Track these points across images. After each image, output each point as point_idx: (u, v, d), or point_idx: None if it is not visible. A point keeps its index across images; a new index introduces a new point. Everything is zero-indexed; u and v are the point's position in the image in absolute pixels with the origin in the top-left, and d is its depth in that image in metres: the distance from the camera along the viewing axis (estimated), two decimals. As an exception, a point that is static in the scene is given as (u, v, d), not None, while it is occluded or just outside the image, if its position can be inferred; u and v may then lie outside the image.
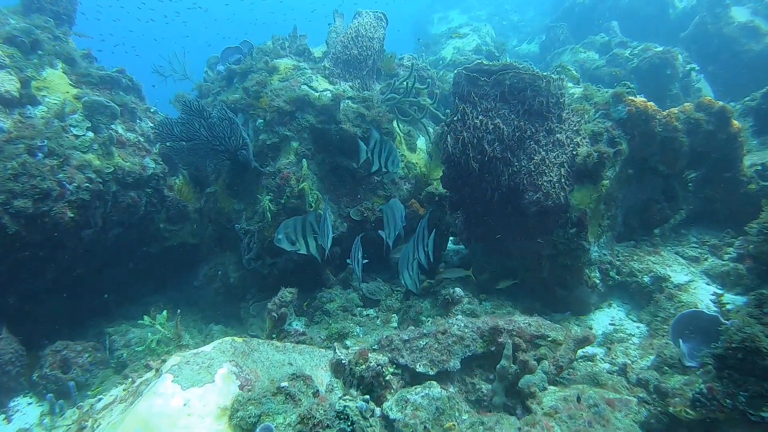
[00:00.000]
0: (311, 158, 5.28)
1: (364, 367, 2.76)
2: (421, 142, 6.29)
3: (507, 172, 4.17)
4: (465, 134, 4.25)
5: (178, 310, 4.31)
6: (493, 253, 4.67)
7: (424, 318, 4.55)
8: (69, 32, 6.22)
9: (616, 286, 4.51)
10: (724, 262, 4.48)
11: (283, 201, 4.93)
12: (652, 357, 3.55)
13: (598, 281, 4.32)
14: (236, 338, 3.07)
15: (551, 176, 4.12)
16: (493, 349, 2.94)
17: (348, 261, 4.32)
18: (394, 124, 5.83)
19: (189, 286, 5.89)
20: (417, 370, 2.88)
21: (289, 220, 4.13)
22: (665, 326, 3.90)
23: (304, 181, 4.94)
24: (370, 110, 5.49)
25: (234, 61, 6.69)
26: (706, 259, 4.60)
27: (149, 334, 4.01)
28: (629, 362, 3.43)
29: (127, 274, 5.69)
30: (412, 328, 3.07)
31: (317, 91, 5.50)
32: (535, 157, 4.14)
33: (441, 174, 4.75)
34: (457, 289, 4.32)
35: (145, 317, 4.04)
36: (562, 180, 4.13)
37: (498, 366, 2.78)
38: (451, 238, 6.07)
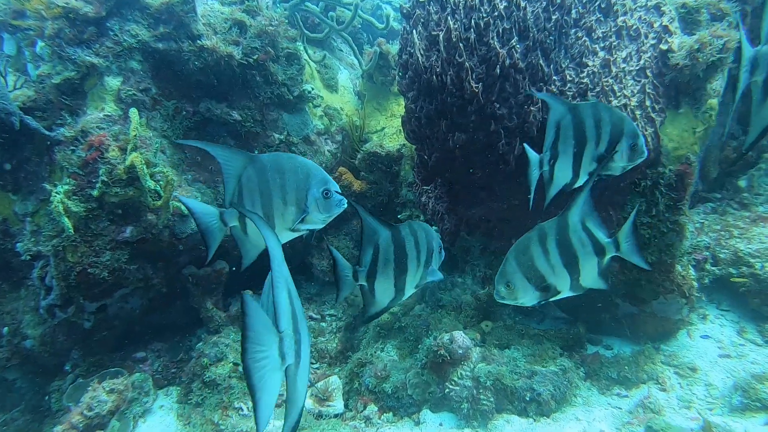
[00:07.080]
0: (151, 108, 2.85)
1: None
2: (344, 77, 4.03)
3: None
4: (450, 24, 2.08)
5: None
6: (503, 251, 2.61)
7: (388, 388, 2.43)
8: None
9: (708, 285, 2.68)
10: None
11: (95, 192, 2.49)
12: None
13: (695, 283, 2.45)
14: None
15: (626, 97, 2.09)
16: None
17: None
18: (299, 45, 3.50)
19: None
20: None
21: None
22: None
23: (137, 149, 2.53)
24: (255, 17, 3.12)
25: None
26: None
27: None
28: None
29: None
30: None
31: (151, -16, 3.01)
32: (591, 62, 2.09)
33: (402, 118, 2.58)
34: (457, 335, 2.23)
35: None
36: (646, 103, 2.13)
37: None
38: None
